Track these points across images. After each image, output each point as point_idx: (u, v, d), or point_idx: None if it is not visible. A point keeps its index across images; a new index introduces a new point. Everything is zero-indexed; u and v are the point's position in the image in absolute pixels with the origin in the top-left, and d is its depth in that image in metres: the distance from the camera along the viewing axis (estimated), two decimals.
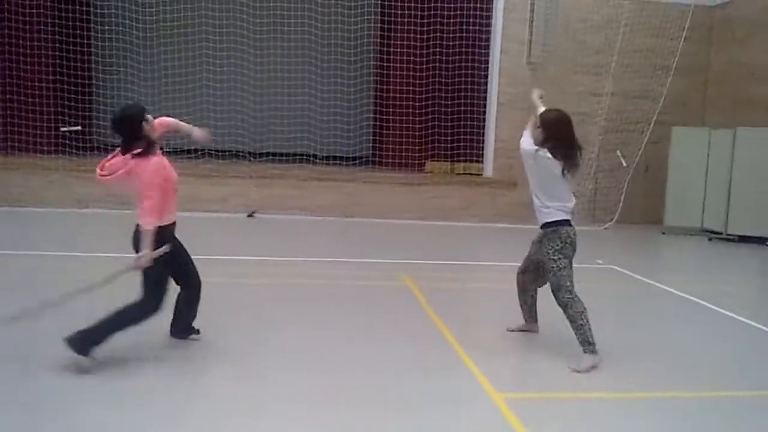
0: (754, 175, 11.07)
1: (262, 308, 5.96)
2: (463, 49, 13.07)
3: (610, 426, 3.91)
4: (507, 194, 12.22)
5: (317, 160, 13.13)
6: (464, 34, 13.05)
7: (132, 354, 4.43)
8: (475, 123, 13.10)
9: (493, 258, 9.36)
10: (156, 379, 4.18)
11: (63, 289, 5.99)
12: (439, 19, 13.08)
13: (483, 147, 13.07)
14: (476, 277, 8.19)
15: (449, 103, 13.13)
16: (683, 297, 7.16)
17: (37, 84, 12.45)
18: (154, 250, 4.21)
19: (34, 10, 12.28)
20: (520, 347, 5.32)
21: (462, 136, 13.07)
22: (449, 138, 13.12)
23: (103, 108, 12.70)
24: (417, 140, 13.40)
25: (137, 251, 4.35)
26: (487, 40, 12.87)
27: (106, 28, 12.87)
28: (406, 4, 13.11)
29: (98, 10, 13.17)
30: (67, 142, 12.06)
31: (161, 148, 4.49)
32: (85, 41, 12.75)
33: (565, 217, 4.76)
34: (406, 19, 13.10)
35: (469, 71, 13.05)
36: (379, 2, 13.51)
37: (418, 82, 13.31)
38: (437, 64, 13.23)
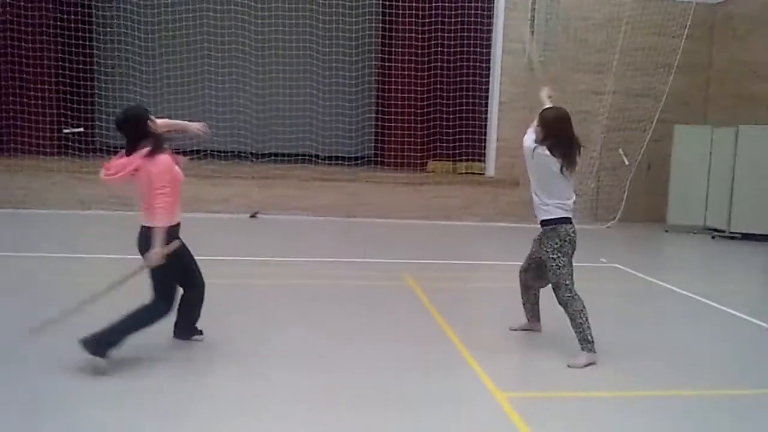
0: (756, 172, 11.06)
1: (265, 309, 5.97)
2: (465, 49, 13.08)
3: (612, 424, 3.91)
4: (509, 193, 12.22)
5: (319, 161, 13.15)
6: (465, 34, 13.06)
7: (135, 355, 4.43)
8: (476, 122, 13.11)
9: (495, 257, 9.36)
10: (158, 380, 4.19)
11: (64, 291, 6.01)
12: (440, 19, 13.09)
13: (485, 146, 13.08)
14: (478, 276, 8.19)
15: (451, 102, 13.14)
16: (686, 295, 7.15)
17: (39, 86, 12.49)
18: (180, 241, 4.24)
19: (37, 13, 12.33)
20: (522, 346, 5.32)
21: (464, 136, 13.08)
22: (451, 137, 13.13)
23: (106, 110, 12.73)
24: (419, 140, 13.42)
25: (142, 252, 4.37)
26: (489, 39, 12.87)
27: (108, 30, 12.90)
28: (407, 5, 13.12)
29: (100, 12, 13.19)
30: (69, 143, 12.10)
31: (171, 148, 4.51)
32: (88, 44, 12.78)
33: (564, 215, 4.76)
34: (407, 19, 13.11)
35: (471, 70, 13.06)
36: (381, 2, 13.51)
37: (419, 81, 13.32)
38: (439, 64, 13.24)
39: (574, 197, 4.86)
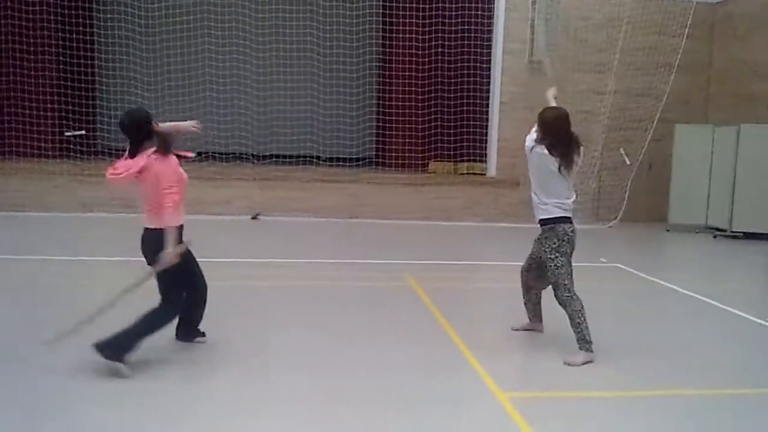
0: (758, 171, 11.05)
1: (266, 310, 5.98)
2: (465, 49, 13.10)
3: (614, 424, 3.91)
4: (510, 194, 12.23)
5: (320, 162, 13.16)
6: (466, 34, 13.07)
7: (136, 356, 4.44)
8: (477, 123, 13.11)
9: (496, 257, 9.36)
10: (159, 381, 4.20)
11: (66, 293, 6.03)
12: (440, 20, 13.10)
13: (486, 147, 13.08)
14: (480, 276, 8.19)
15: (452, 103, 13.15)
16: (688, 294, 7.15)
17: (41, 89, 12.54)
18: (184, 243, 4.26)
19: (38, 16, 12.36)
20: (524, 346, 5.32)
21: (465, 136, 13.08)
22: (452, 138, 13.14)
23: (107, 112, 12.76)
24: (420, 141, 13.42)
25: (146, 255, 4.39)
26: (489, 39, 12.88)
27: (110, 32, 12.92)
28: (407, 5, 13.14)
29: (101, 15, 13.22)
30: (71, 146, 12.12)
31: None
32: (89, 46, 12.81)
33: (562, 215, 4.77)
34: (407, 20, 13.13)
35: (471, 71, 13.07)
36: (381, 3, 13.53)
37: (420, 82, 13.33)
38: (439, 65, 13.25)
39: (573, 197, 4.87)
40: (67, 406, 3.84)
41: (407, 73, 13.40)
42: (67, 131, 12.14)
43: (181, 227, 4.48)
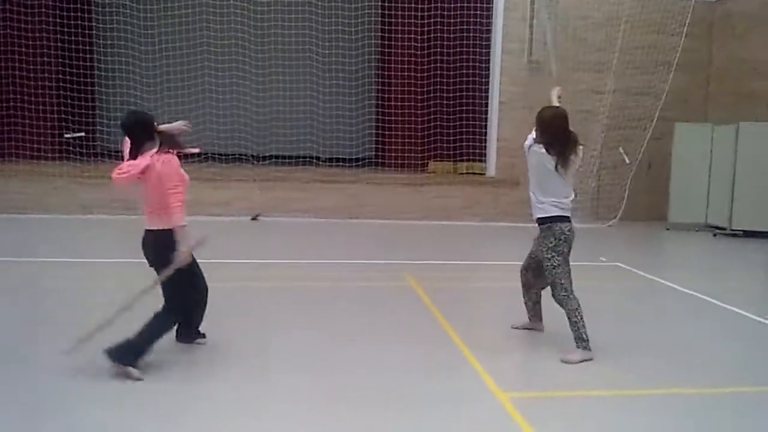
0: (757, 169, 11.06)
1: (267, 311, 5.98)
2: (464, 49, 13.10)
3: (614, 423, 3.92)
4: (509, 193, 12.23)
5: (320, 162, 13.17)
6: (465, 34, 13.08)
7: None
8: (477, 122, 13.12)
9: (496, 257, 9.36)
10: (159, 381, 4.20)
11: (65, 294, 6.04)
12: (439, 20, 13.10)
13: (485, 146, 13.09)
14: (480, 276, 8.20)
15: (451, 103, 13.15)
16: (687, 293, 7.15)
17: (40, 91, 12.53)
18: (175, 249, 4.26)
19: (37, 18, 12.36)
20: (524, 346, 5.33)
21: (464, 136, 13.09)
22: (451, 138, 13.14)
23: (107, 114, 12.76)
24: (419, 140, 13.43)
25: (149, 257, 4.40)
26: (488, 39, 12.89)
27: (109, 34, 12.93)
28: (406, 5, 13.14)
29: (101, 17, 13.22)
30: (71, 148, 12.12)
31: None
32: (88, 48, 12.81)
33: (559, 213, 4.79)
34: (407, 20, 13.13)
35: (470, 71, 13.08)
36: (380, 4, 13.53)
37: (419, 82, 13.34)
38: (438, 65, 13.25)
39: (572, 196, 4.88)
40: (67, 406, 3.85)
41: (406, 73, 13.41)
42: (66, 133, 12.15)
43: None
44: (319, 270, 7.86)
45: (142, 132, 4.33)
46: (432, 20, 13.07)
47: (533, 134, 4.87)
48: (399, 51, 13.37)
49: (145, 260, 4.47)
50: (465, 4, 12.97)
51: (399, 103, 13.44)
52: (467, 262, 8.86)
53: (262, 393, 4.13)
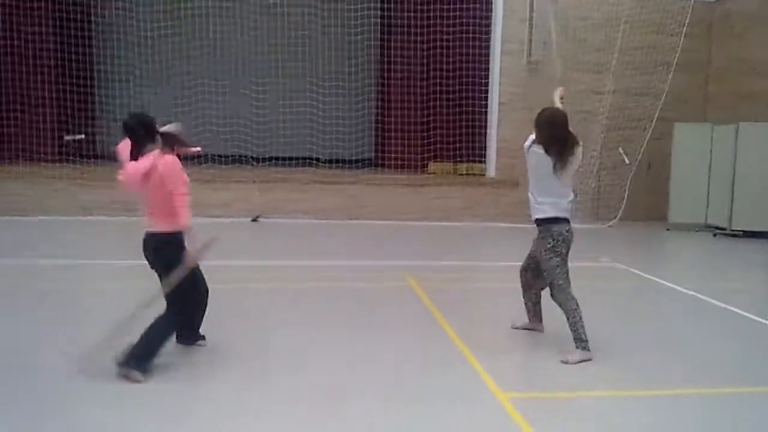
0: (757, 169, 11.07)
1: (266, 312, 5.98)
2: (464, 50, 13.11)
3: (614, 424, 3.91)
4: (509, 194, 12.24)
5: (320, 164, 13.17)
6: (464, 35, 13.09)
7: None
8: (476, 123, 13.13)
9: (496, 258, 9.35)
10: (159, 382, 4.20)
11: (65, 296, 6.04)
12: (439, 21, 13.11)
13: (485, 147, 13.09)
14: (480, 276, 8.20)
15: (451, 104, 13.17)
16: (688, 294, 7.15)
17: (40, 93, 12.55)
18: (183, 250, 4.26)
19: (36, 21, 12.37)
20: (524, 346, 5.32)
21: (464, 137, 13.10)
22: (451, 139, 13.16)
23: (107, 116, 12.77)
24: (419, 141, 13.44)
25: (150, 260, 4.41)
26: (488, 40, 12.90)
27: (109, 36, 12.94)
28: (406, 7, 13.15)
29: (100, 20, 13.24)
30: (71, 150, 12.13)
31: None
32: (88, 50, 12.83)
33: (557, 215, 4.79)
34: (406, 22, 13.14)
35: (470, 72, 13.09)
36: (381, 5, 13.54)
37: (419, 83, 13.36)
38: (438, 66, 13.27)
39: (571, 197, 4.88)
40: (67, 406, 3.85)
41: (406, 75, 13.43)
42: (66, 135, 12.16)
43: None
44: (319, 271, 7.86)
45: (144, 133, 4.34)
46: (432, 21, 13.08)
47: (534, 135, 4.88)
48: (399, 52, 13.38)
49: (146, 262, 4.47)
50: (465, 6, 12.98)
51: (399, 104, 13.45)
52: (467, 263, 8.86)
53: (262, 394, 4.13)
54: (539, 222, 4.85)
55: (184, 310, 4.56)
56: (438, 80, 13.25)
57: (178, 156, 4.48)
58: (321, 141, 13.75)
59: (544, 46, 12.21)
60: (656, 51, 12.49)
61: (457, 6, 13.02)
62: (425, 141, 13.40)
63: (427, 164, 13.50)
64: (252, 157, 13.20)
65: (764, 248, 10.35)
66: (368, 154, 14.19)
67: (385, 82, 14.05)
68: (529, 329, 5.51)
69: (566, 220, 4.83)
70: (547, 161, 4.69)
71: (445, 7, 13.09)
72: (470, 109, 13.10)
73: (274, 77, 13.90)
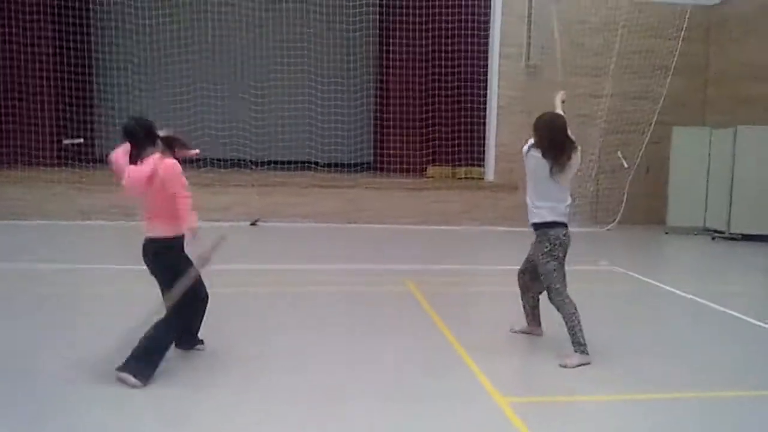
0: (755, 173, 11.08)
1: (265, 316, 5.98)
2: (462, 54, 13.13)
3: (612, 428, 3.92)
4: (508, 198, 12.24)
5: (319, 167, 13.18)
6: (463, 39, 13.11)
7: None
8: (475, 127, 13.15)
9: (494, 261, 9.35)
10: (158, 386, 4.20)
11: (65, 299, 6.03)
12: (437, 25, 13.14)
13: (484, 151, 13.11)
14: (478, 280, 8.20)
15: (449, 107, 13.18)
16: (687, 297, 7.15)
17: (39, 97, 12.54)
18: (186, 253, 4.27)
19: (35, 23, 12.38)
20: (522, 350, 5.32)
21: (463, 141, 13.12)
22: (450, 142, 13.17)
23: (105, 120, 12.77)
24: (418, 145, 13.46)
25: (149, 265, 4.41)
26: (486, 44, 12.92)
27: (107, 40, 12.95)
28: (405, 10, 13.18)
29: (99, 23, 13.25)
30: (69, 154, 12.13)
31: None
32: (87, 53, 12.83)
33: (554, 219, 4.80)
34: (405, 25, 13.17)
35: (469, 75, 13.10)
36: (378, 8, 13.57)
37: (418, 87, 13.37)
38: (436, 69, 13.28)
39: (568, 201, 4.89)
40: (67, 406, 3.86)
41: (405, 78, 13.45)
42: (65, 139, 12.16)
43: (182, 237, 4.49)
44: (318, 275, 7.86)
45: (144, 136, 4.34)
46: (430, 25, 13.10)
47: (532, 139, 4.89)
48: (397, 55, 13.40)
49: (146, 267, 4.47)
50: (463, 9, 13.01)
51: (397, 108, 13.47)
52: (466, 267, 8.87)
53: (262, 396, 4.13)
54: (536, 226, 4.86)
55: (185, 316, 4.55)
56: (437, 84, 13.26)
57: (178, 159, 4.48)
58: (320, 145, 13.75)
59: (542, 50, 12.24)
60: (654, 55, 12.52)
61: (456, 9, 13.03)
62: (424, 145, 13.42)
63: (426, 168, 13.51)
64: (251, 160, 13.21)
65: (763, 251, 10.36)
66: (367, 157, 14.20)
67: (384, 85, 14.07)
68: (527, 333, 5.51)
69: (564, 225, 4.84)
70: (545, 165, 4.71)
71: (443, 10, 13.09)
72: (469, 112, 13.11)
73: (272, 81, 13.91)
